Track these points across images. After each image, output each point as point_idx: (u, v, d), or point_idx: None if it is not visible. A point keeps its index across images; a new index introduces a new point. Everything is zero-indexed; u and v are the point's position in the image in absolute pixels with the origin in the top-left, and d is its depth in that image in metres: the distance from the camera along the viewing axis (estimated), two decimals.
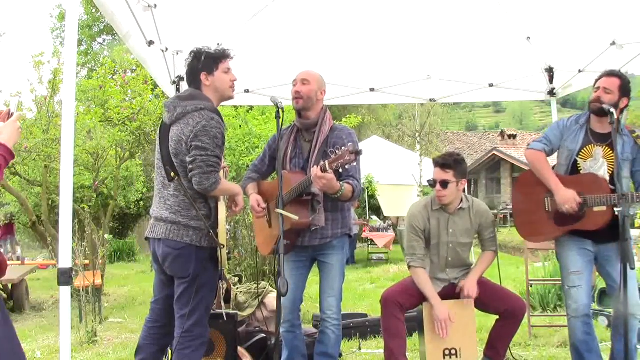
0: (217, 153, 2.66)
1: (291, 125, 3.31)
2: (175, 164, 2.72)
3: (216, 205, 2.78)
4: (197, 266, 2.71)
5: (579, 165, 3.16)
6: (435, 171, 3.34)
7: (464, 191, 3.43)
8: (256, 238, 3.51)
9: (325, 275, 3.19)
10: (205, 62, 2.82)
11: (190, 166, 2.64)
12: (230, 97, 2.94)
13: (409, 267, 3.38)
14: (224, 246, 2.71)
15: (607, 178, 3.06)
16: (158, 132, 2.86)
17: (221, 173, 3.01)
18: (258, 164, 3.43)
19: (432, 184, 3.34)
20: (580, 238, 3.12)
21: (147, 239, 2.88)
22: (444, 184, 3.28)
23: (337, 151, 2.74)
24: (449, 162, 3.29)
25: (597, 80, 3.16)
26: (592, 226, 3.01)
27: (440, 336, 3.19)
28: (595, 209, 2.99)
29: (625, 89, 3.08)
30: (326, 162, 2.74)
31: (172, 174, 2.72)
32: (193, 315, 2.74)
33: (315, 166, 2.81)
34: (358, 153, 2.68)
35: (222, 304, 2.83)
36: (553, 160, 3.35)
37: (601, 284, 4.71)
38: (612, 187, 3.00)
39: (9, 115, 2.18)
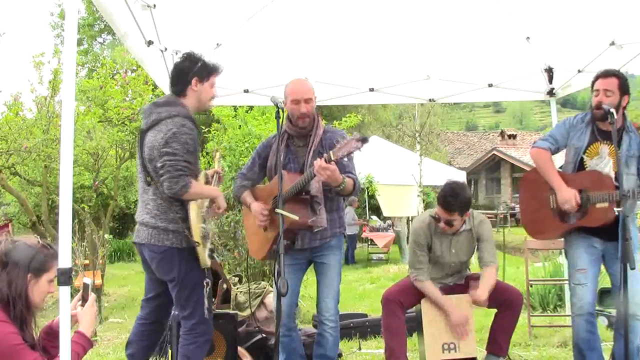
0: (187, 158, 2.70)
1: (281, 128, 3.28)
2: (149, 169, 2.78)
3: None
4: (181, 267, 2.76)
5: (585, 163, 3.16)
6: (439, 209, 3.27)
7: None
8: (249, 243, 3.47)
9: (324, 276, 3.19)
10: (201, 68, 2.87)
11: (161, 171, 2.69)
12: (206, 110, 3.00)
13: (415, 280, 3.36)
14: (199, 244, 2.73)
15: (613, 175, 3.05)
16: (138, 138, 2.91)
17: (214, 178, 3.05)
18: (247, 172, 3.38)
19: (437, 219, 3.30)
20: (587, 235, 3.12)
21: (134, 243, 2.94)
22: (449, 223, 3.27)
23: (341, 140, 2.70)
24: (453, 206, 3.19)
25: (594, 82, 3.14)
26: (595, 222, 3.01)
27: (462, 338, 3.23)
28: (598, 205, 3.00)
29: (624, 87, 3.08)
30: (331, 151, 2.71)
31: (149, 178, 2.79)
32: (195, 315, 2.79)
33: (318, 158, 2.76)
34: (364, 141, 2.64)
35: (206, 300, 2.86)
36: (558, 158, 3.35)
37: (602, 283, 4.71)
38: (617, 184, 2.99)
39: (83, 299, 2.25)
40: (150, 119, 2.79)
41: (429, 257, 3.38)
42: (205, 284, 2.79)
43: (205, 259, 2.78)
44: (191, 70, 2.85)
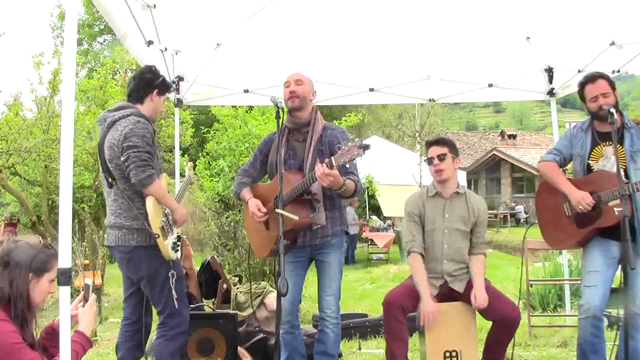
0: (148, 149, 2.82)
1: (281, 128, 3.30)
2: (110, 169, 2.88)
3: None
4: (149, 264, 2.86)
5: (592, 168, 3.17)
6: (431, 150, 3.37)
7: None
8: (251, 241, 3.47)
9: (324, 274, 3.19)
10: (161, 84, 3.08)
11: (126, 164, 2.78)
12: (154, 121, 3.14)
13: (408, 252, 3.37)
14: (158, 235, 2.79)
15: (622, 173, 3.04)
16: (98, 145, 3.01)
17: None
18: (248, 168, 3.40)
19: (430, 161, 3.36)
20: (604, 239, 3.09)
21: (106, 246, 3.05)
22: (442, 156, 3.32)
23: (343, 146, 2.72)
24: (443, 139, 3.41)
25: (583, 90, 3.17)
26: (610, 221, 2.99)
27: (424, 328, 3.19)
28: (611, 204, 2.99)
29: (613, 84, 3.13)
30: (332, 158, 2.73)
31: (110, 179, 2.89)
32: (165, 309, 2.91)
33: (320, 164, 2.78)
34: (366, 147, 2.68)
35: (174, 292, 2.92)
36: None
37: None
38: (628, 181, 2.98)
39: (84, 299, 2.27)
40: (106, 124, 2.92)
41: (422, 229, 3.37)
42: (170, 275, 2.86)
43: (167, 252, 2.86)
44: (154, 82, 3.05)
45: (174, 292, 2.87)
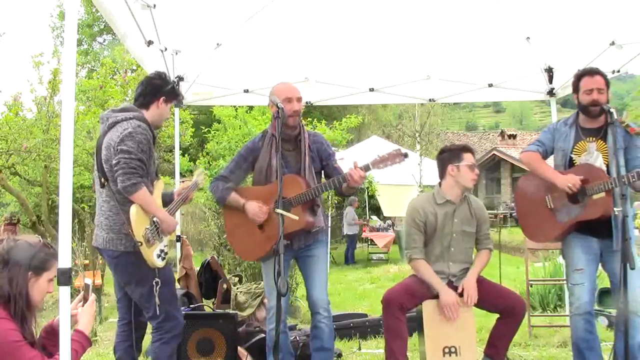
0: (141, 157, 2.79)
1: (264, 136, 3.29)
2: (105, 170, 2.86)
3: None
4: (137, 270, 2.84)
5: (574, 162, 3.19)
6: (470, 157, 3.42)
7: None
8: (238, 244, 3.39)
9: (313, 267, 3.20)
10: (169, 91, 3.05)
11: (115, 168, 2.76)
12: (157, 128, 3.15)
13: (410, 259, 3.38)
14: (141, 243, 2.76)
15: (604, 169, 3.08)
16: (96, 143, 2.99)
17: (180, 197, 3.14)
18: (228, 175, 3.30)
19: (473, 168, 3.39)
20: (585, 235, 3.13)
21: (94, 247, 3.03)
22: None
23: (384, 154, 2.99)
24: (472, 149, 3.53)
25: (578, 82, 3.18)
26: (594, 214, 3.00)
27: (452, 320, 3.20)
28: (595, 197, 3.01)
29: (608, 83, 3.16)
30: (370, 163, 3.00)
31: (102, 179, 2.87)
32: (159, 314, 2.88)
33: (357, 166, 2.99)
34: (406, 156, 3.05)
35: (157, 298, 2.90)
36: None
37: (602, 284, 4.71)
38: (609, 176, 3.00)
39: (84, 299, 2.27)
40: (107, 123, 2.90)
41: (424, 236, 3.39)
42: (154, 283, 2.83)
43: (151, 260, 2.81)
44: (162, 89, 3.03)
45: (156, 299, 2.83)
